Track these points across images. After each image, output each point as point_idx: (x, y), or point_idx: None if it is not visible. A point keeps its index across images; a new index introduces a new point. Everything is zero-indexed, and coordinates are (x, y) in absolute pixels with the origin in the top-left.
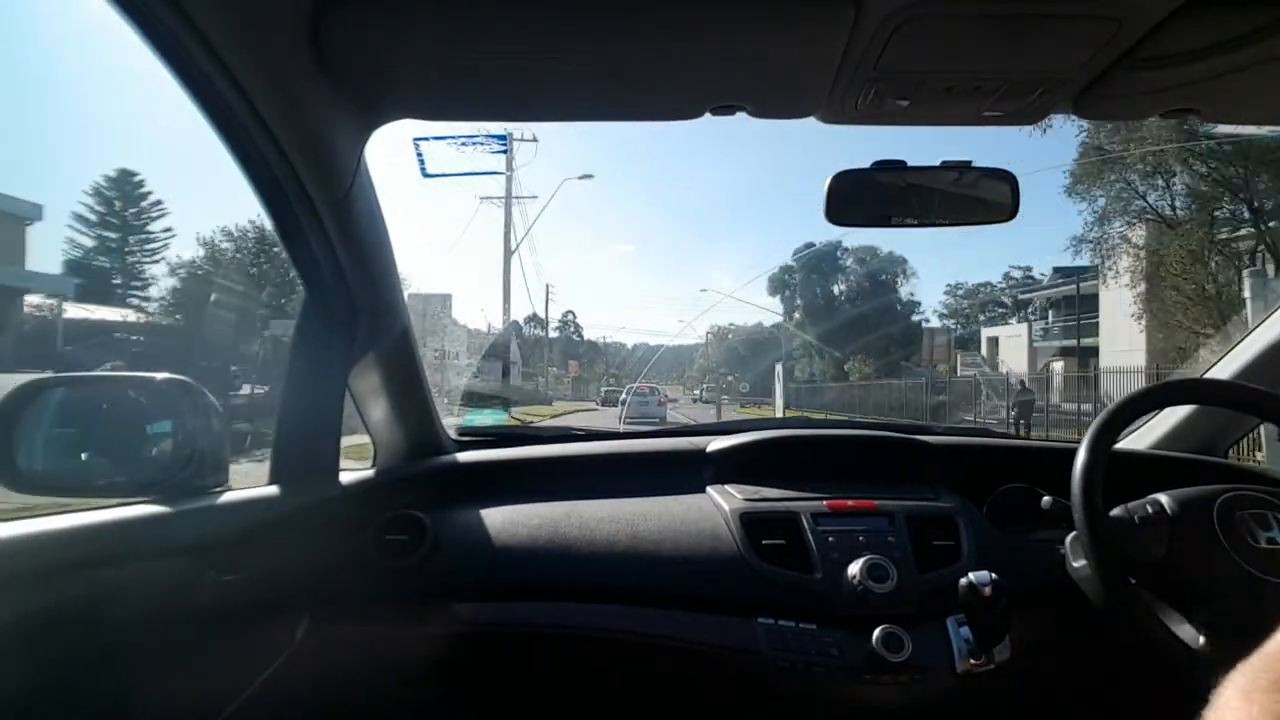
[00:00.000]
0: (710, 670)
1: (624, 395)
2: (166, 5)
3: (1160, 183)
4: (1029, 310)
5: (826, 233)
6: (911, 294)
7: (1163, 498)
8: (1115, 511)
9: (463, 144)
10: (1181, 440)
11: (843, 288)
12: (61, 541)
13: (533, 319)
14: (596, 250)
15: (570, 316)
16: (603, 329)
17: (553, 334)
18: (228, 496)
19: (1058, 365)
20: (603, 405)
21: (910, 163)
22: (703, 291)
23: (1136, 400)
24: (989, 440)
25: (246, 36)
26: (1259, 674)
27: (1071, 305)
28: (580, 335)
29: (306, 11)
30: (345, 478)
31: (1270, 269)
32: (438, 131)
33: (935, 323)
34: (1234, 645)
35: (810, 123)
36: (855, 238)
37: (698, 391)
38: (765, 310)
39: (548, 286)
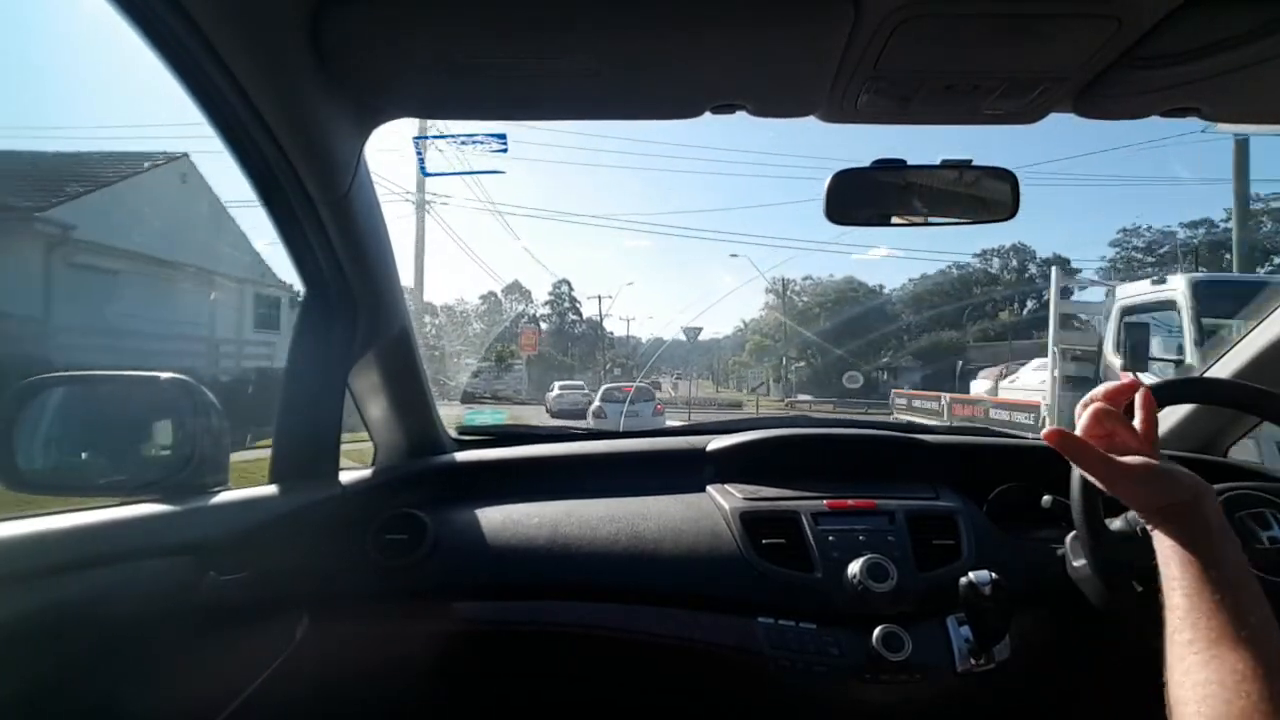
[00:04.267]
0: (710, 669)
1: (596, 403)
2: (166, 5)
3: None
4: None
5: (828, 230)
6: None
7: None
8: (1116, 524)
9: (462, 143)
10: (1181, 439)
11: None
12: (61, 541)
13: (514, 288)
14: (611, 245)
15: (565, 288)
16: (611, 313)
17: (542, 310)
18: (228, 496)
19: None
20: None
21: (910, 161)
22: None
23: None
24: (989, 439)
25: (246, 36)
26: None
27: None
28: (579, 313)
29: (306, 11)
30: (345, 477)
31: None
32: (437, 130)
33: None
34: None
35: (810, 121)
36: None
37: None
38: None
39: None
